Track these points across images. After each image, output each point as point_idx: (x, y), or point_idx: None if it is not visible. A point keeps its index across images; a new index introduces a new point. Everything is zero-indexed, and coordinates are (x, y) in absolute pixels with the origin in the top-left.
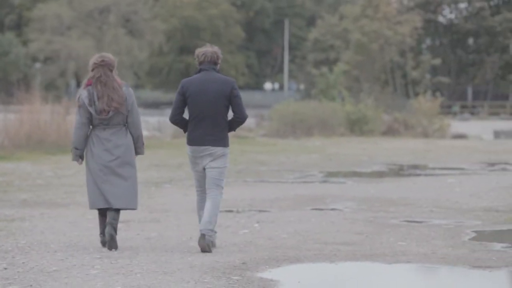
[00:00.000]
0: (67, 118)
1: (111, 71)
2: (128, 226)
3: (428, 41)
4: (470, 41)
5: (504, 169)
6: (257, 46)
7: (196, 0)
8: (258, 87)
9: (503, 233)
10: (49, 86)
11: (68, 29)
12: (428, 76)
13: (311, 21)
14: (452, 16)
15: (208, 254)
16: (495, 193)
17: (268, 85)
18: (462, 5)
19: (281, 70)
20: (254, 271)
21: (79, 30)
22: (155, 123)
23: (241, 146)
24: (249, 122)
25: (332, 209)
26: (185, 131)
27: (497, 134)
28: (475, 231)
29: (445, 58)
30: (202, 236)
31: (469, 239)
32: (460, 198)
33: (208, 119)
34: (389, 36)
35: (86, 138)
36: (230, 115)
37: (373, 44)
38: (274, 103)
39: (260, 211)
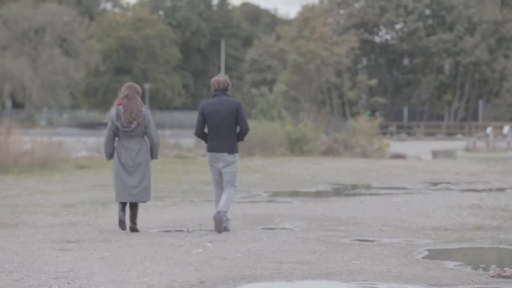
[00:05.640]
0: (8, 139)
1: (137, 93)
2: (80, 246)
3: (364, 61)
4: (406, 61)
5: (447, 189)
6: (193, 66)
7: (131, 20)
8: (195, 107)
9: (454, 252)
10: None
11: (3, 49)
12: (364, 96)
13: (247, 42)
14: (388, 36)
15: (163, 273)
16: (442, 212)
17: None
18: (398, 26)
19: None
20: None
21: (14, 50)
22: (93, 144)
23: (184, 166)
24: (188, 142)
25: (283, 228)
26: (206, 142)
27: (435, 154)
28: (427, 250)
29: (381, 78)
30: (218, 212)
31: (422, 258)
32: (408, 217)
33: (221, 132)
34: (325, 57)
35: (113, 144)
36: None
37: (310, 64)
38: None
39: (211, 230)
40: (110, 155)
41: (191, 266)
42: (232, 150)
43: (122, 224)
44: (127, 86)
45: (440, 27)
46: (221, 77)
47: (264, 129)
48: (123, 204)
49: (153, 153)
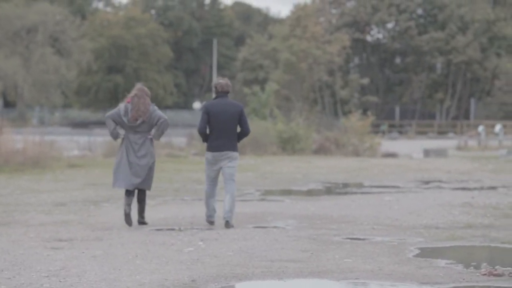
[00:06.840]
0: (0, 138)
1: (147, 95)
2: (71, 245)
3: (356, 60)
4: (398, 60)
5: (439, 187)
6: (185, 65)
7: (123, 19)
8: (187, 106)
9: (446, 250)
10: None
11: None
12: (356, 95)
13: (239, 41)
14: (380, 35)
15: (155, 272)
16: (433, 211)
17: (196, 105)
18: (390, 25)
19: (209, 89)
20: None
21: (6, 49)
22: (85, 143)
23: (175, 165)
24: (180, 141)
25: (274, 227)
26: (205, 141)
27: (427, 153)
28: (419, 248)
29: (373, 77)
30: (226, 222)
31: (414, 256)
32: (400, 216)
33: (225, 132)
34: (317, 56)
35: (113, 125)
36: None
37: (302, 63)
38: None
39: (202, 229)
40: (114, 134)
41: (183, 265)
42: (235, 148)
43: (127, 217)
44: (137, 88)
45: (432, 26)
46: (223, 81)
47: (256, 128)
48: (130, 199)
49: (157, 133)
